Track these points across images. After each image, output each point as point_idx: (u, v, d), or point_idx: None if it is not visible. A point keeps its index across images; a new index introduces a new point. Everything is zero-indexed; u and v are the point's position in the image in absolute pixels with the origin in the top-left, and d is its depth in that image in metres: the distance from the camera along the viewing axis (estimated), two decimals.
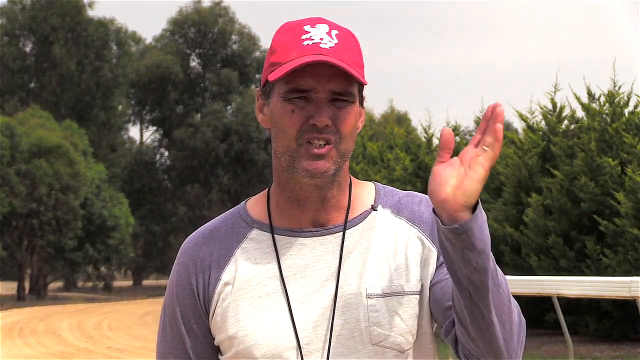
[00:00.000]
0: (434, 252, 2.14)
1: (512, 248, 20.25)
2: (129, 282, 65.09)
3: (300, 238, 2.13)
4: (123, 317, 31.15)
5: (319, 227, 2.14)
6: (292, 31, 2.11)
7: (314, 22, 2.12)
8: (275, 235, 2.14)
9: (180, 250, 2.22)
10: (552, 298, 13.55)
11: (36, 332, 24.73)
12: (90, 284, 57.40)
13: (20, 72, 55.34)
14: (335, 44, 2.08)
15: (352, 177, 2.22)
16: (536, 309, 19.24)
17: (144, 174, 59.90)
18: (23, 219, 43.18)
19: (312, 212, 2.14)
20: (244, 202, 2.25)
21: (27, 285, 47.94)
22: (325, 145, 2.07)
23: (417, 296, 2.11)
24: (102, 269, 54.11)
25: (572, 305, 17.78)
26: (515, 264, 19.89)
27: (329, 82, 2.06)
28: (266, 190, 2.22)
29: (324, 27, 2.11)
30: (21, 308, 37.30)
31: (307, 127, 2.06)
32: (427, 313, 2.13)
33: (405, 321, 2.10)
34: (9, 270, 51.40)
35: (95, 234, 47.87)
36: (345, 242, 2.12)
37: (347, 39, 2.11)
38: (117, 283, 61.47)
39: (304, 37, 2.09)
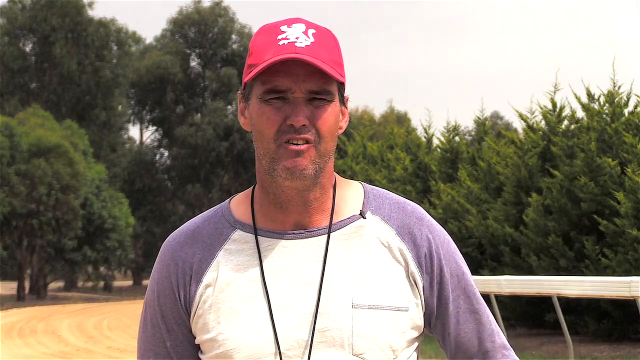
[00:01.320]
0: (418, 275, 2.12)
1: (512, 248, 20.25)
2: (129, 282, 65.10)
3: (283, 240, 2.10)
4: (123, 317, 31.16)
5: (302, 229, 2.11)
6: (268, 32, 2.10)
7: (290, 22, 2.11)
8: (258, 237, 2.12)
9: (162, 248, 2.19)
10: (552, 298, 13.56)
11: (36, 332, 24.73)
12: (90, 284, 57.41)
13: (21, 72, 55.34)
14: (312, 42, 2.06)
15: (337, 176, 2.19)
16: (536, 309, 19.25)
17: (144, 174, 59.92)
18: (23, 219, 43.19)
19: (295, 215, 2.11)
20: (227, 200, 2.21)
21: (27, 285, 47.95)
22: (305, 143, 2.05)
23: (404, 313, 2.09)
24: (102, 269, 54.11)
25: (572, 305, 17.78)
26: (515, 264, 19.89)
27: (305, 81, 2.04)
28: (250, 189, 2.20)
29: (300, 27, 2.09)
30: (21, 308, 37.31)
31: (285, 128, 2.05)
32: (410, 332, 2.11)
33: (388, 336, 2.07)
34: (9, 270, 51.42)
35: (95, 235, 47.86)
36: (329, 246, 2.10)
37: (323, 38, 2.09)
38: (117, 283, 61.49)
39: (279, 37, 2.07)
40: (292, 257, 2.10)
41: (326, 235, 2.11)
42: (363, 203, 2.16)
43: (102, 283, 56.68)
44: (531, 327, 20.20)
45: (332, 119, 2.08)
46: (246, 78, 2.09)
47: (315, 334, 2.06)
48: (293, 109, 2.05)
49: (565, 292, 13.43)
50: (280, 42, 2.06)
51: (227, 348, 2.07)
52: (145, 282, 64.32)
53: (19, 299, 43.40)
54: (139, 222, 57.77)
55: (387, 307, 2.08)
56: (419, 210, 2.17)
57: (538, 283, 14.26)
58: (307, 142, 2.05)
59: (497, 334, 2.20)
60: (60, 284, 57.57)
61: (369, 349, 2.06)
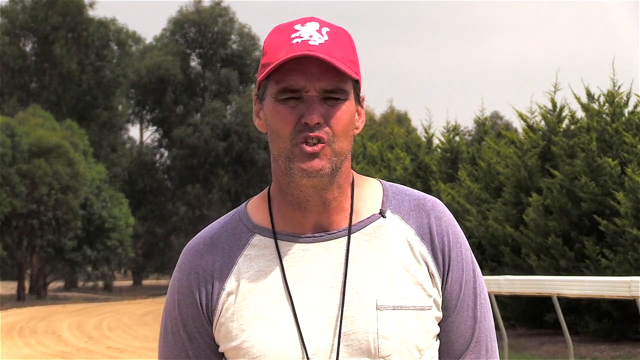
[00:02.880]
0: (437, 274, 2.11)
1: (512, 248, 20.24)
2: (129, 282, 65.06)
3: (304, 244, 2.08)
4: (123, 317, 31.15)
5: (322, 231, 2.09)
6: (282, 32, 2.08)
7: (304, 21, 2.09)
8: (278, 241, 2.10)
9: (181, 256, 2.17)
10: (552, 298, 13.55)
11: (36, 332, 24.73)
12: (90, 284, 57.39)
13: (21, 72, 55.30)
14: (325, 40, 2.04)
15: (355, 174, 2.17)
16: (536, 309, 19.25)
17: (144, 174, 59.92)
18: (23, 219, 43.18)
19: (314, 216, 2.09)
20: (244, 204, 2.19)
21: (27, 285, 47.93)
22: (318, 143, 2.03)
23: (428, 312, 2.08)
24: (103, 268, 54.07)
25: (572, 305, 17.78)
26: (515, 264, 19.88)
27: (319, 80, 2.03)
28: (266, 191, 2.17)
29: (314, 25, 2.07)
30: (21, 308, 37.30)
31: (299, 127, 2.03)
32: (434, 330, 2.10)
33: (414, 336, 2.06)
34: (9, 270, 51.39)
35: (95, 235, 47.85)
36: (350, 248, 2.08)
37: (338, 36, 2.07)
38: (117, 283, 61.44)
39: (293, 35, 2.06)
40: (313, 260, 2.08)
41: (347, 237, 2.09)
42: (382, 201, 2.14)
43: (102, 283, 56.65)
44: (531, 327, 20.19)
45: (346, 117, 2.06)
46: (260, 77, 2.08)
47: (341, 338, 2.04)
48: (307, 107, 2.03)
49: (565, 292, 13.42)
50: (294, 41, 2.04)
51: (253, 355, 2.05)
52: (145, 282, 64.35)
53: (19, 299, 43.38)
54: (140, 222, 57.73)
55: (411, 307, 2.06)
56: (439, 207, 2.15)
57: (538, 283, 14.25)
58: (320, 141, 2.03)
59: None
60: (60, 284, 57.54)
61: (395, 351, 2.04)
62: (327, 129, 2.03)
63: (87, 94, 56.16)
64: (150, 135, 64.33)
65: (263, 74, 2.06)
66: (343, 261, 2.07)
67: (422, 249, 2.10)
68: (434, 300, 2.09)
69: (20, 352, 19.41)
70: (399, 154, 26.45)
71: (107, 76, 56.24)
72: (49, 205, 42.95)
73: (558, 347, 17.14)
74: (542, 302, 18.21)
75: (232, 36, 61.38)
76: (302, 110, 2.03)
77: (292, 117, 2.04)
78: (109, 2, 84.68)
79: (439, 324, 2.12)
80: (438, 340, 2.13)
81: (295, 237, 2.09)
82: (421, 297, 2.07)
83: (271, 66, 2.03)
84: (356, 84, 2.09)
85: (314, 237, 2.09)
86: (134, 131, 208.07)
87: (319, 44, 2.03)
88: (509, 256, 20.08)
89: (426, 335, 2.08)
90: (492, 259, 21.03)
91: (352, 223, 2.10)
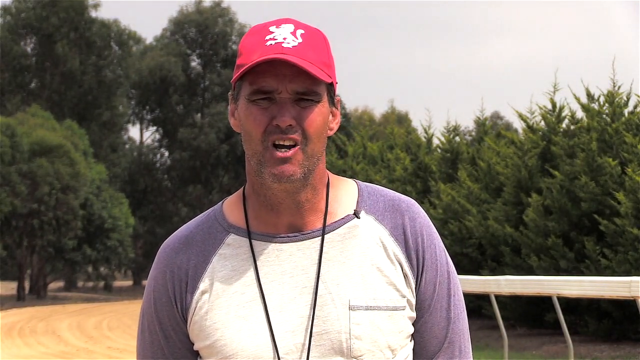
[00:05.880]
0: (410, 275, 2.11)
1: (512, 248, 20.25)
2: (129, 282, 65.09)
3: (278, 244, 2.09)
4: (123, 317, 31.16)
5: (296, 231, 2.10)
6: (257, 33, 2.09)
7: (279, 22, 2.10)
8: (252, 241, 2.11)
9: (157, 254, 2.18)
10: (552, 298, 13.55)
11: (36, 332, 24.72)
12: (90, 284, 57.38)
13: (22, 71, 55.28)
14: (299, 43, 2.05)
15: (331, 175, 2.18)
16: (536, 309, 19.25)
17: (144, 174, 59.93)
18: (23, 219, 43.16)
19: (287, 217, 2.09)
20: (220, 203, 2.20)
21: (27, 285, 47.93)
22: (290, 148, 2.03)
23: (401, 312, 2.09)
24: (102, 269, 54.08)
25: (572, 305, 17.78)
26: (515, 264, 19.89)
27: (292, 82, 2.04)
28: (241, 190, 2.18)
29: (289, 27, 2.08)
30: (21, 308, 37.29)
31: (271, 129, 2.04)
32: (407, 330, 2.11)
33: (387, 336, 2.06)
34: (9, 270, 51.39)
35: (95, 235, 47.85)
36: (324, 248, 2.09)
37: (312, 38, 2.08)
38: (117, 283, 61.45)
39: (267, 37, 2.07)
40: (287, 260, 2.09)
41: (320, 237, 2.10)
42: (357, 202, 2.14)
43: (102, 283, 56.66)
44: (531, 327, 20.20)
45: (319, 119, 2.06)
46: (233, 78, 2.09)
47: (312, 338, 2.05)
48: (279, 109, 2.04)
49: (565, 292, 13.42)
50: (268, 43, 2.05)
51: (226, 354, 2.07)
52: (145, 282, 64.30)
53: (19, 299, 43.36)
54: (140, 222, 57.72)
55: (384, 308, 2.07)
56: (414, 208, 2.15)
57: (538, 283, 14.25)
58: (295, 144, 2.03)
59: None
60: (60, 284, 57.55)
61: (367, 351, 2.05)
62: (299, 131, 2.04)
63: (89, 94, 56.14)
64: (150, 135, 64.38)
65: (236, 75, 2.07)
66: (316, 261, 2.08)
67: (396, 250, 2.11)
68: (408, 301, 2.10)
69: (20, 352, 19.41)
70: (399, 154, 26.45)
71: (108, 76, 56.22)
72: (49, 205, 42.93)
73: (558, 347, 17.14)
74: (542, 302, 18.21)
75: (233, 37, 61.41)
76: (274, 112, 2.04)
77: (264, 119, 2.05)
78: (109, 2, 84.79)
79: (412, 324, 2.13)
80: (412, 341, 2.14)
81: (270, 237, 2.10)
82: (394, 297, 2.08)
83: (244, 68, 2.04)
84: (330, 86, 2.09)
85: (288, 237, 2.10)
86: (134, 131, 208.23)
87: (293, 46, 2.05)
88: (509, 256, 20.08)
89: (399, 336, 2.08)
90: (492, 259, 21.04)
91: (327, 223, 2.11)
